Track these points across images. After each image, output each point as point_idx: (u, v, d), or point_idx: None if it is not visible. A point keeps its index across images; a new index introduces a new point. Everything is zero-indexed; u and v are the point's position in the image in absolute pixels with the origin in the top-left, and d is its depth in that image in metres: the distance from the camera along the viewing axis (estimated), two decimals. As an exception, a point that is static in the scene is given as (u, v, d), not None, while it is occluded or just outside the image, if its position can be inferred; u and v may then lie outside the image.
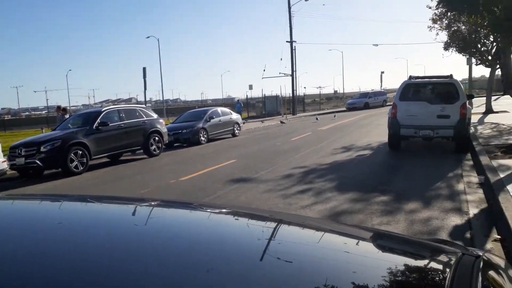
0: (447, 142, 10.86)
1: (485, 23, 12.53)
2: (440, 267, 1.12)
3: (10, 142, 13.88)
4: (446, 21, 18.85)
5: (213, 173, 9.30)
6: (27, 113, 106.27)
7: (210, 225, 1.38)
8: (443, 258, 1.18)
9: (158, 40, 41.23)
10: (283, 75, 38.05)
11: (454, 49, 20.68)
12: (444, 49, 20.86)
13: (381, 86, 58.78)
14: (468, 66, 25.07)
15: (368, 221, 5.01)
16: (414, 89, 11.03)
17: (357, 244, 1.31)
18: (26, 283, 0.81)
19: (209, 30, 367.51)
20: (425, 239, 1.93)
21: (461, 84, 10.61)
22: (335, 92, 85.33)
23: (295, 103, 38.55)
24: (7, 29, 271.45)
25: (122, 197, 2.13)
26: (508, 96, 10.98)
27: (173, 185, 8.21)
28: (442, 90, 10.58)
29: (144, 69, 29.06)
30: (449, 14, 14.59)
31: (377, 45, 60.75)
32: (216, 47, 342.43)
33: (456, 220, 4.87)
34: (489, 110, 19.86)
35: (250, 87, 42.59)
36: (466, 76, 30.40)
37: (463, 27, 19.18)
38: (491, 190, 5.67)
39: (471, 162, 8.66)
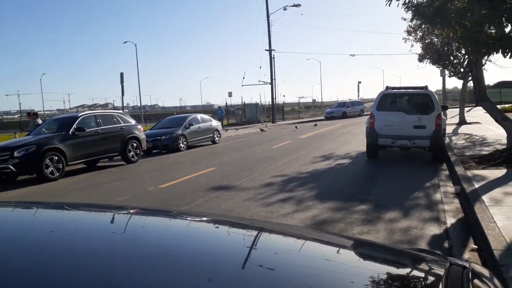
0: (423, 151, 11.11)
1: (456, 36, 12.97)
2: (432, 277, 1.14)
3: (-19, 147, 13.39)
4: (420, 33, 19.37)
5: (193, 180, 9.22)
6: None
7: (191, 233, 1.36)
8: (433, 268, 1.21)
9: (135, 46, 40.72)
10: (263, 83, 38.29)
11: (428, 61, 21.21)
12: (418, 60, 21.37)
13: (358, 96, 59.91)
14: (441, 77, 25.78)
15: (349, 229, 5.07)
16: (391, 99, 11.26)
17: (339, 252, 1.31)
18: None
19: (188, 37, 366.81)
20: (409, 248, 1.96)
21: (436, 95, 10.91)
22: (314, 101, 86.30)
23: (274, 111, 38.77)
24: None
25: (99, 205, 2.09)
26: (480, 107, 11.35)
27: (152, 193, 8.09)
28: (418, 100, 10.84)
29: (121, 74, 28.71)
30: (423, 26, 15.01)
31: (354, 55, 62.33)
32: (195, 54, 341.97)
33: (434, 229, 4.98)
34: (462, 121, 20.44)
35: (230, 94, 42.60)
36: (440, 87, 31.27)
37: (436, 39, 19.76)
38: (467, 200, 5.82)
39: (447, 172, 8.89)
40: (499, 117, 9.32)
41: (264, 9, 38.04)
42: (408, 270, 1.22)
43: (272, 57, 37.92)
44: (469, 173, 7.61)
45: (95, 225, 1.39)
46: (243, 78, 40.62)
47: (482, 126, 17.88)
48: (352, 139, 17.23)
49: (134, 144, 13.47)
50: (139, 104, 47.60)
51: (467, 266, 1.14)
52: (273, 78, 38.25)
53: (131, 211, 1.70)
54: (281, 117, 42.73)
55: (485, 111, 10.19)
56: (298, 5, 36.51)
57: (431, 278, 1.13)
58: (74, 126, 11.58)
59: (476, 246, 4.29)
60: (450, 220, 5.33)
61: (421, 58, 21.17)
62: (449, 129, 16.19)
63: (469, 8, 9.58)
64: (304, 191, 7.44)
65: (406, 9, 11.88)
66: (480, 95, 9.62)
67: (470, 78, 18.47)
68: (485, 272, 1.26)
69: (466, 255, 4.13)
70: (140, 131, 14.17)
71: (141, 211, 1.76)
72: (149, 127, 19.87)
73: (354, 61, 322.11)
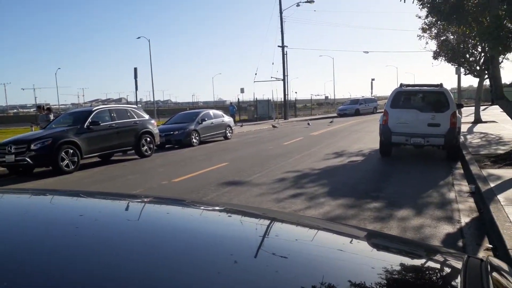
0: (437, 150, 11.00)
1: (473, 34, 12.75)
2: (450, 269, 1.14)
3: (-1, 139, 13.67)
4: (435, 31, 19.11)
5: (205, 175, 9.28)
6: (15, 110, 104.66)
7: (204, 222, 1.38)
8: (450, 260, 1.21)
9: (149, 41, 40.82)
10: (275, 79, 38.23)
11: (443, 58, 20.92)
12: (433, 58, 21.10)
13: (371, 93, 59.31)
14: (457, 75, 25.41)
15: (361, 226, 5.05)
16: (405, 96, 11.17)
17: (352, 242, 1.30)
18: (15, 278, 0.80)
19: (201, 33, 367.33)
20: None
21: (451, 93, 10.77)
22: (326, 98, 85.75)
23: (286, 108, 38.68)
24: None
25: (114, 193, 2.12)
26: (497, 106, 11.18)
27: (166, 187, 8.18)
28: (432, 98, 10.71)
29: (135, 69, 28.91)
30: (438, 23, 14.78)
31: (367, 52, 61.24)
32: (208, 50, 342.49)
33: (448, 228, 4.94)
34: (477, 120, 20.14)
35: (242, 90, 42.63)
36: (455, 85, 30.82)
37: (452, 37, 19.47)
38: (482, 200, 5.76)
39: (461, 171, 8.79)
40: (516, 115, 9.17)
41: (277, 5, 37.98)
42: (423, 261, 1.21)
43: (285, 53, 37.84)
44: (484, 172, 7.52)
45: (110, 212, 1.42)
46: (255, 74, 40.38)
47: (498, 125, 17.60)
48: (365, 136, 17.12)
49: (148, 139, 13.60)
50: (152, 99, 47.90)
51: (485, 259, 1.14)
52: (286, 74, 38.20)
53: (145, 200, 1.75)
54: (293, 114, 42.59)
55: (502, 110, 10.03)
56: (311, 1, 36.26)
57: (448, 270, 1.13)
58: (89, 120, 11.74)
59: (491, 246, 4.25)
60: (465, 219, 5.28)
61: (436, 56, 20.90)
62: (464, 128, 15.96)
63: (487, 4, 9.43)
64: (316, 188, 7.43)
65: (421, 6, 11.75)
66: (497, 93, 9.48)
67: (486, 76, 18.20)
68: (504, 266, 1.26)
69: (481, 254, 4.10)
70: (154, 125, 14.30)
71: (155, 200, 1.80)
72: (162, 122, 20.02)
73: (368, 58, 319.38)
